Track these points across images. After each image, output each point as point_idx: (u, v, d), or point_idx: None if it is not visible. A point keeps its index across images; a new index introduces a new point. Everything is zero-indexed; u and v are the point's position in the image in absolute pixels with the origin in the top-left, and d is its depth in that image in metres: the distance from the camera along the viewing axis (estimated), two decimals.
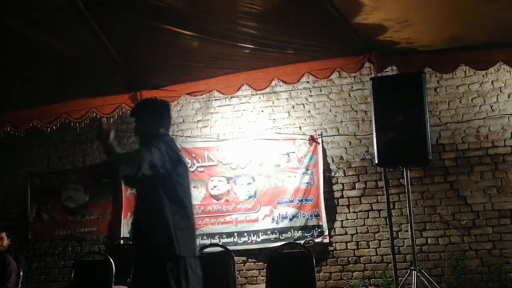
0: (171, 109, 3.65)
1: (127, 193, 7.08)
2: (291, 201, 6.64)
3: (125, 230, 7.08)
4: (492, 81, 6.35)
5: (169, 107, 3.62)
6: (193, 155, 7.05)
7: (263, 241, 6.67)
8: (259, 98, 7.05)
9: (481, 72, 6.21)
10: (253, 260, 6.79)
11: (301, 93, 6.95)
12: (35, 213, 7.68)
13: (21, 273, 5.36)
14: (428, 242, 6.28)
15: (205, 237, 6.81)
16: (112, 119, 6.13)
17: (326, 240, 6.50)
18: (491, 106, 6.33)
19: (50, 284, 7.47)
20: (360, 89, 6.74)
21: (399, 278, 5.63)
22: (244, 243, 6.73)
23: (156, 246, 3.18)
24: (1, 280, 4.94)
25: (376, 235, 6.46)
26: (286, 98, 6.99)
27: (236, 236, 6.76)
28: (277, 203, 6.69)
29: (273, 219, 6.67)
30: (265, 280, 5.46)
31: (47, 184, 7.75)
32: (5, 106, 6.04)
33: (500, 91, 6.33)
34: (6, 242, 6.42)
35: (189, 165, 6.85)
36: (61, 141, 7.71)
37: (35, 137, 7.46)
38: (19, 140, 6.79)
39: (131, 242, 5.89)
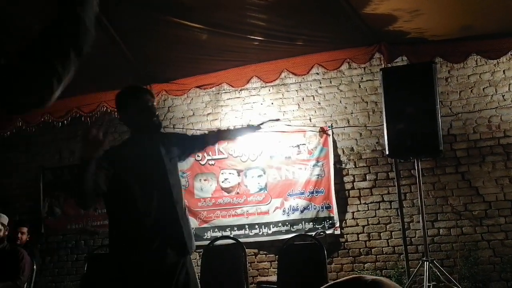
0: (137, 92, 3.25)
1: None
2: (302, 193, 6.63)
3: None
4: (504, 70, 6.29)
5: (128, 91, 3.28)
6: None
7: (274, 233, 6.68)
8: (269, 90, 7.03)
9: (492, 61, 6.15)
10: (265, 252, 6.80)
11: (310, 85, 6.93)
12: (48, 207, 7.74)
13: (34, 267, 5.42)
14: (440, 233, 6.26)
15: (216, 230, 6.83)
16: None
17: (337, 232, 6.50)
18: (503, 96, 6.27)
19: (63, 277, 7.54)
20: (370, 80, 6.71)
21: (411, 269, 5.63)
22: (255, 235, 6.75)
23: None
24: (15, 274, 5.00)
25: (388, 226, 6.45)
26: (296, 90, 6.97)
27: (247, 229, 6.78)
28: (288, 195, 6.69)
29: (284, 211, 6.67)
30: (276, 272, 5.48)
31: (59, 178, 7.81)
32: None
33: None
34: (25, 237, 6.48)
35: (199, 158, 7.01)
36: (72, 136, 7.74)
37: (47, 132, 7.51)
38: (31, 134, 6.84)
39: None
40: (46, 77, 1.38)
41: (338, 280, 1.33)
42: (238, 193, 6.91)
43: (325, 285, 1.31)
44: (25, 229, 6.52)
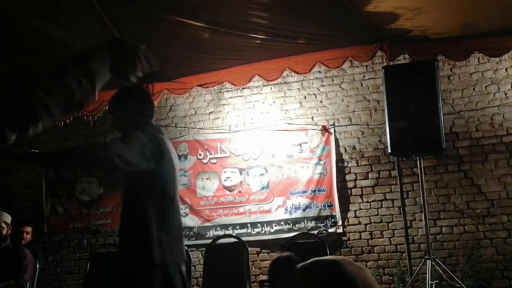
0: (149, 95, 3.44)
1: None
2: (304, 192, 6.63)
3: None
4: (506, 68, 6.28)
5: (145, 92, 3.41)
6: (206, 147, 7.06)
7: (276, 231, 6.68)
8: (271, 88, 7.03)
9: (495, 59, 6.13)
10: (267, 250, 6.80)
11: (312, 83, 6.93)
12: (50, 207, 7.75)
13: (37, 266, 5.42)
14: (443, 231, 6.25)
15: (218, 228, 6.83)
16: None
17: (340, 230, 6.49)
18: (506, 93, 6.26)
19: (66, 277, 7.55)
20: (372, 78, 6.70)
21: (413, 268, 5.63)
22: (258, 234, 6.74)
23: (133, 252, 2.90)
24: (18, 273, 5.00)
25: (390, 224, 6.44)
26: (298, 89, 6.97)
27: (249, 227, 6.78)
28: (290, 194, 6.68)
29: (286, 209, 6.67)
30: None
31: (61, 177, 7.81)
32: None
33: None
34: (29, 236, 6.50)
35: (201, 157, 7.01)
36: (74, 135, 7.75)
37: (48, 131, 7.49)
38: (33, 134, 6.84)
39: None
40: None
41: (300, 265, 1.33)
42: (240, 191, 6.91)
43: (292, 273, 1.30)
44: (29, 229, 6.53)
